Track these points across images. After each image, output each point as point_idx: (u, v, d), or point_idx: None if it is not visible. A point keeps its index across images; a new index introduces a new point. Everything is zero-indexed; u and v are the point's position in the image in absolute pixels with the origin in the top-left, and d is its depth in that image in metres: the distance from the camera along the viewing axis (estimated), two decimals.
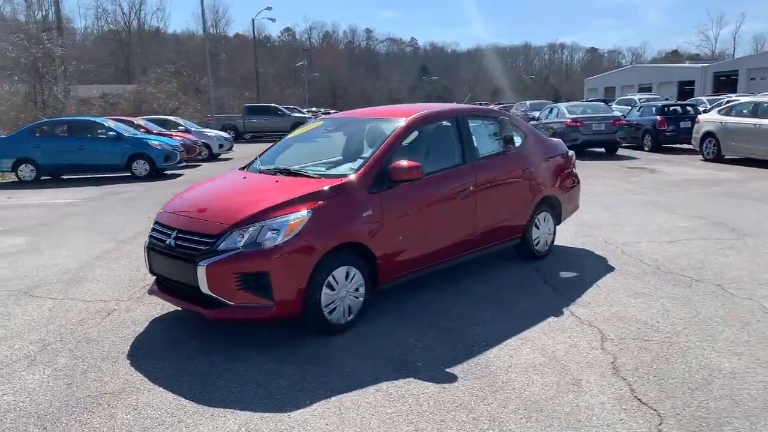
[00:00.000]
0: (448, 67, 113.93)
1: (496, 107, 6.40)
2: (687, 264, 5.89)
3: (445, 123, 5.40)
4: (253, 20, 49.93)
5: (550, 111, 19.81)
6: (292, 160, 5.22)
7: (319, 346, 4.13)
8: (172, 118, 23.42)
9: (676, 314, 4.54)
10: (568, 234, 7.31)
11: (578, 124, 17.34)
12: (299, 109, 38.50)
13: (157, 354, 4.10)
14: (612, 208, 9.11)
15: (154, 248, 4.49)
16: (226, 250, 3.97)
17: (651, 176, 12.92)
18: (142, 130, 18.07)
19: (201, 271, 3.99)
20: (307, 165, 5.07)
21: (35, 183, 15.12)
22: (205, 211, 4.37)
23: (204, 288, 4.01)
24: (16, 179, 15.29)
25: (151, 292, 4.66)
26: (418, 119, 5.10)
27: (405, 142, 4.91)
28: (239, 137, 31.24)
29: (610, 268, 5.82)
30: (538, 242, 6.13)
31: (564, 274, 5.70)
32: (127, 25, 78.23)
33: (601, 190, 10.98)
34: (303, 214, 4.09)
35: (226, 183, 5.06)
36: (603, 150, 18.22)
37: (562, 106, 19.10)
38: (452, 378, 3.61)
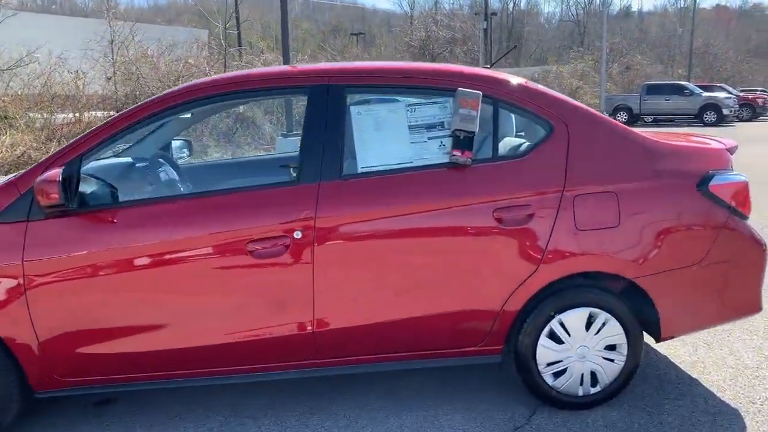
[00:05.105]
0: None
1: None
2: None
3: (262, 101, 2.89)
4: None
5: None
6: None
7: None
8: None
9: None
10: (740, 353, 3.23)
11: None
12: (726, 88, 30.84)
13: None
14: None
15: None
16: None
17: None
18: None
19: None
20: None
21: None
22: None
23: None
24: None
25: None
26: (169, 97, 2.67)
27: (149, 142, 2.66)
28: (635, 119, 26.94)
29: None
30: (562, 373, 2.72)
31: None
32: (586, 7, 77.59)
33: None
34: None
35: None
36: None
37: None
38: None
